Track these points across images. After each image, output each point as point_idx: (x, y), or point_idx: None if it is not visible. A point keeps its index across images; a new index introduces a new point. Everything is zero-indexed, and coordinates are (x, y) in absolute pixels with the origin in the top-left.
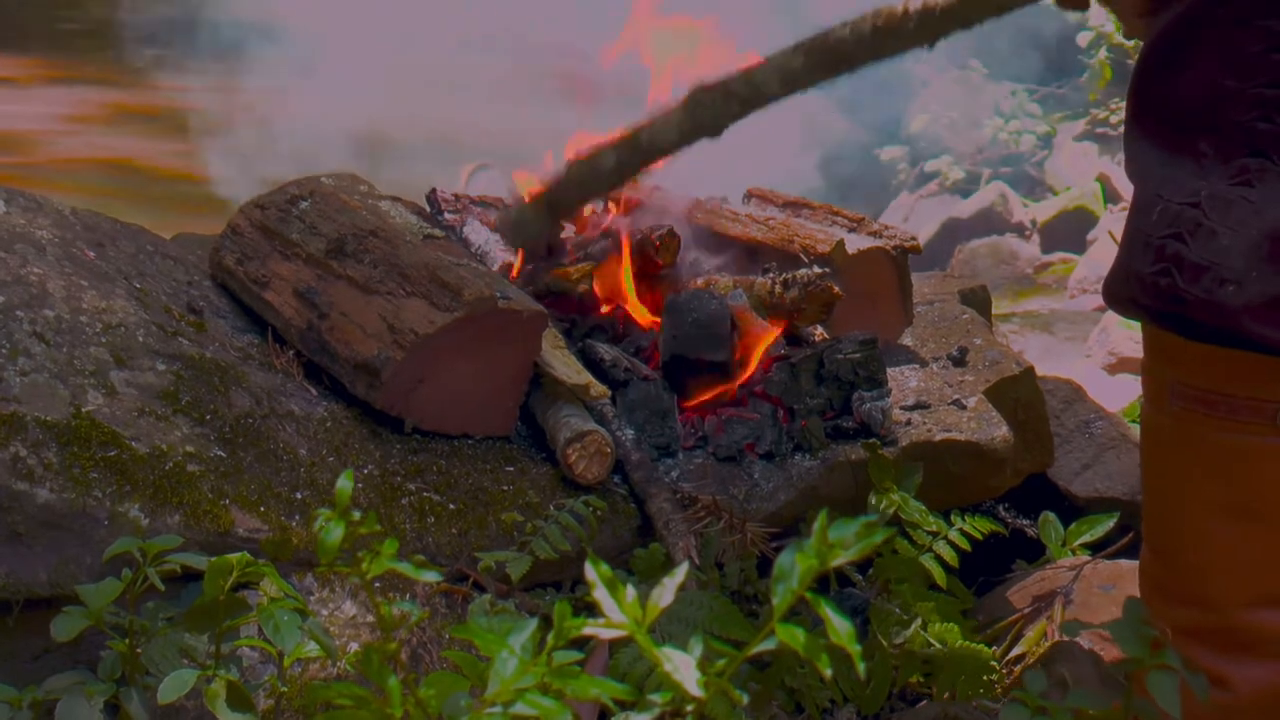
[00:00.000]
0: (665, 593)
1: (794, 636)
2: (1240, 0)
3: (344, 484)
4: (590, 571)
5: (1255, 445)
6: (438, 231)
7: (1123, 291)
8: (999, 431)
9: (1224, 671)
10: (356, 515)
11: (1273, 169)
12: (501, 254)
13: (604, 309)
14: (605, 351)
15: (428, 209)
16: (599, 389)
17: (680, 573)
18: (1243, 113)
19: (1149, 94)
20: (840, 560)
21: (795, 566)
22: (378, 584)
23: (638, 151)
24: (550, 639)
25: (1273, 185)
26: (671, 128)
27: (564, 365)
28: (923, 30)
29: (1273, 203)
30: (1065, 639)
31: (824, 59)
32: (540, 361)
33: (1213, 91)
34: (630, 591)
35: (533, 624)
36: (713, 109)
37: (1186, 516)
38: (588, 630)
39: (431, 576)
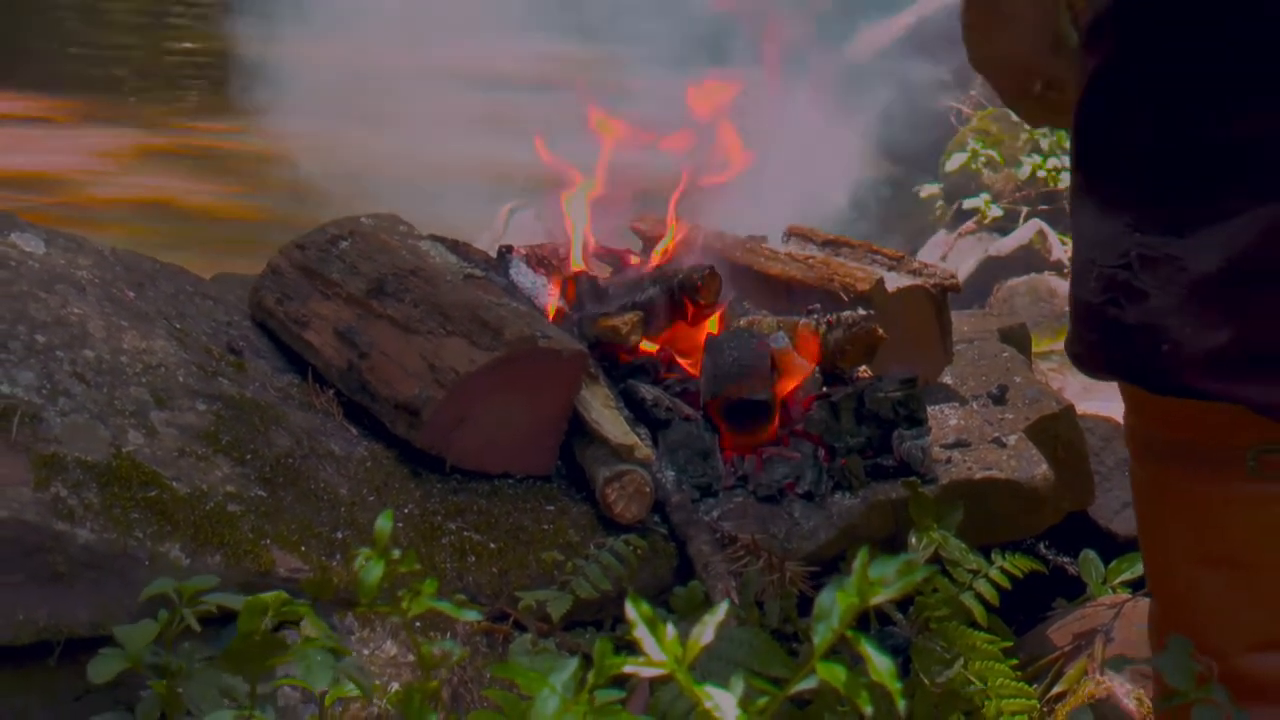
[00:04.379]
0: (706, 631)
1: (834, 674)
2: (1165, 49)
3: (383, 524)
4: (630, 610)
5: (1233, 493)
6: (478, 271)
7: (1085, 355)
8: (1039, 469)
9: None
10: (396, 554)
11: (1199, 219)
12: (548, 297)
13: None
14: (647, 391)
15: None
16: (644, 452)
17: (721, 611)
18: (1172, 163)
19: (1087, 147)
20: (880, 598)
21: (836, 604)
22: (419, 623)
23: None
24: (591, 677)
25: (1199, 236)
26: None
27: (612, 425)
28: None
29: (1196, 254)
30: (1106, 678)
31: None
32: (590, 420)
33: (1143, 141)
34: (670, 630)
35: (573, 663)
36: None
37: (1177, 567)
38: (628, 669)
39: (472, 616)
